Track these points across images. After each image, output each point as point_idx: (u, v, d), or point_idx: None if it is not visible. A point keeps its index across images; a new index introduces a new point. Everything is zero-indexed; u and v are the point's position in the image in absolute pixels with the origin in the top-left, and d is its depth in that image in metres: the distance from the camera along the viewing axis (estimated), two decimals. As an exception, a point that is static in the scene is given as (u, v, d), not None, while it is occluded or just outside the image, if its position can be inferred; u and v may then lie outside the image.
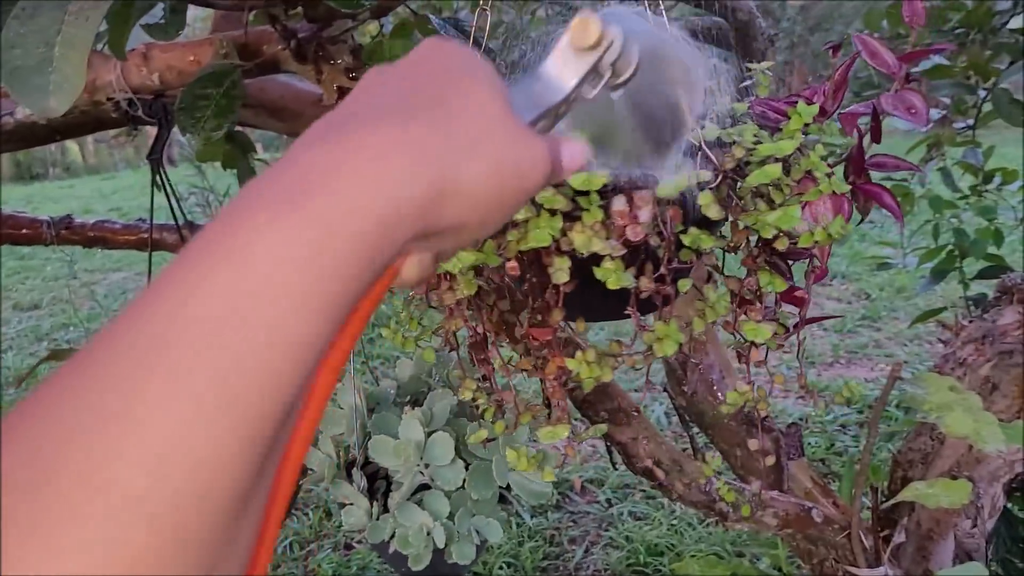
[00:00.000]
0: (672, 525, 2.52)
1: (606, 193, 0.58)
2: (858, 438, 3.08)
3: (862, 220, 0.80)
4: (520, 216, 0.59)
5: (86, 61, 0.56)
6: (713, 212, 0.58)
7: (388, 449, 0.82)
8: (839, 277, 4.88)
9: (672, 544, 2.44)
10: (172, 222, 1.24)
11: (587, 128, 0.46)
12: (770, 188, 0.61)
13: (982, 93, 1.99)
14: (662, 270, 0.61)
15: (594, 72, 0.41)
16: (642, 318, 0.70)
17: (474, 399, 0.72)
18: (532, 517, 2.56)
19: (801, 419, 3.20)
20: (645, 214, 0.57)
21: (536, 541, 2.46)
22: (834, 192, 0.76)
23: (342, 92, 0.86)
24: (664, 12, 0.64)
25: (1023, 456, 1.27)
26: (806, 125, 0.67)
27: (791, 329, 0.88)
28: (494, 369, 0.71)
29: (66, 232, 1.30)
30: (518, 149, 0.35)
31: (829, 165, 0.77)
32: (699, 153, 0.61)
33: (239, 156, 1.21)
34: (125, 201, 8.44)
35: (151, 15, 0.81)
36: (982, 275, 1.63)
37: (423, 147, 0.32)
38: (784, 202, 0.61)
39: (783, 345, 0.90)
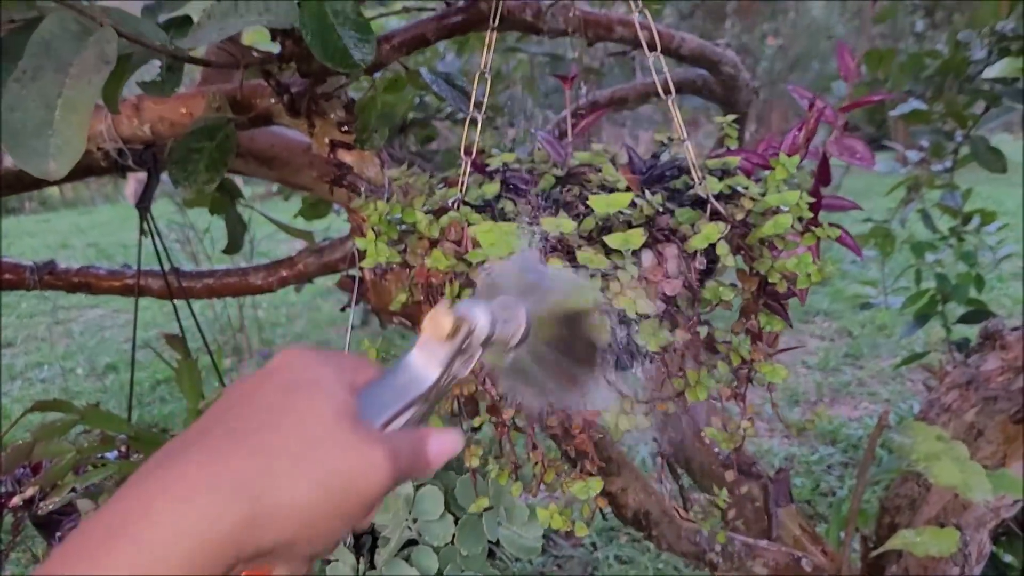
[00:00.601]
0: (658, 570, 2.50)
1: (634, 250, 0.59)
2: (844, 478, 3.08)
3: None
4: None
5: (87, 124, 0.56)
6: (731, 260, 0.59)
7: (379, 504, 0.81)
8: (821, 315, 4.91)
9: (658, 588, 2.42)
10: (156, 267, 1.24)
11: (506, 374, 0.47)
12: (774, 236, 0.62)
13: (960, 137, 2.03)
14: (693, 320, 0.62)
15: (461, 354, 0.42)
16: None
17: (483, 464, 0.72)
18: (516, 561, 2.53)
19: (786, 459, 3.20)
20: (672, 267, 0.58)
21: (520, 585, 2.43)
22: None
23: (333, 145, 0.87)
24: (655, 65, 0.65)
25: (1009, 502, 1.28)
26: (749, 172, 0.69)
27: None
28: (508, 430, 0.70)
29: (49, 277, 1.29)
30: (350, 460, 0.36)
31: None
32: (708, 206, 0.62)
33: (227, 203, 1.21)
34: (103, 236, 8.37)
35: (146, 71, 0.82)
36: (964, 319, 1.65)
37: (237, 478, 0.34)
38: (785, 248, 0.62)
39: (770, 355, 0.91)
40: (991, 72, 1.63)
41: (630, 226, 0.60)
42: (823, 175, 0.79)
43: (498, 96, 1.52)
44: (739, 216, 0.62)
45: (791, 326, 0.73)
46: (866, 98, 0.92)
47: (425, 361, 0.42)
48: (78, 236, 8.64)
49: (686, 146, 0.64)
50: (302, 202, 1.66)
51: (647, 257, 0.59)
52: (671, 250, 0.58)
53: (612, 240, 0.58)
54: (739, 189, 0.67)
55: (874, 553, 1.20)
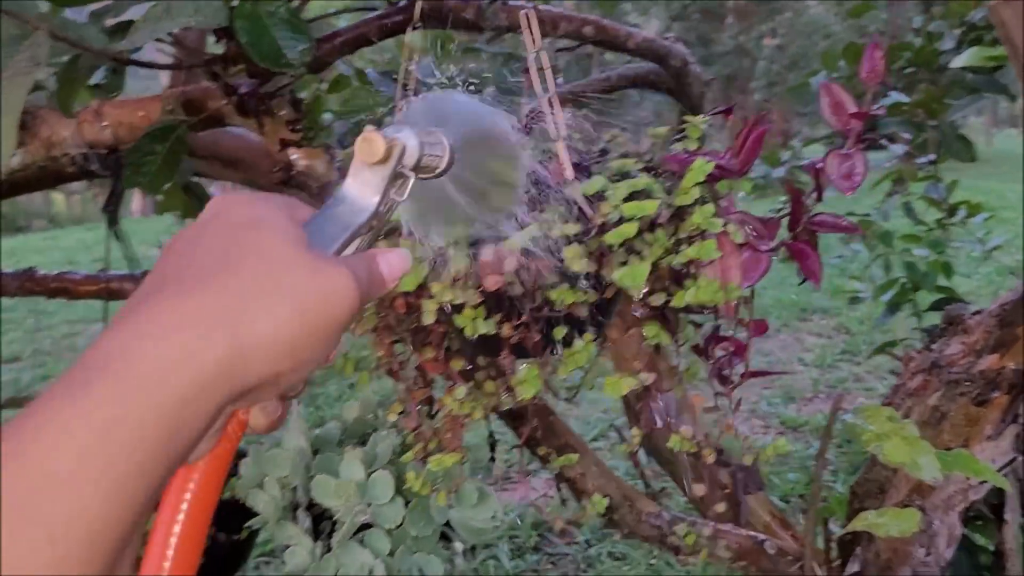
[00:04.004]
0: (651, 565, 2.52)
1: (476, 243, 0.61)
2: (837, 472, 3.10)
3: (804, 280, 0.79)
4: None
5: (17, 124, 0.59)
6: (577, 265, 0.59)
7: (330, 489, 0.84)
8: (819, 312, 4.92)
9: (651, 584, 2.44)
10: (131, 272, 1.27)
11: (421, 206, 0.48)
12: (644, 245, 0.62)
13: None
14: (525, 318, 0.62)
15: (396, 179, 0.42)
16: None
17: (396, 423, 0.74)
18: (511, 560, 2.55)
19: (780, 455, 3.21)
20: (509, 264, 0.59)
21: (514, 584, 2.46)
22: (753, 247, 0.76)
23: (284, 143, 0.89)
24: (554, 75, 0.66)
25: (976, 483, 1.29)
26: (713, 182, 0.68)
27: (737, 380, 0.87)
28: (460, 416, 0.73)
29: (29, 283, 1.32)
30: (318, 283, 0.36)
31: (752, 221, 0.77)
32: (576, 207, 0.62)
33: (197, 207, 1.24)
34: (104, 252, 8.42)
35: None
36: (935, 307, 1.67)
37: (212, 314, 0.33)
38: (657, 257, 0.62)
39: (726, 394, 0.91)
40: (958, 61, 1.64)
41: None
42: (818, 192, 0.75)
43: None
44: (597, 221, 0.61)
45: (674, 340, 0.72)
46: (869, 110, 0.83)
47: (361, 189, 0.41)
48: (84, 252, 8.71)
49: (560, 146, 0.63)
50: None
51: (487, 251, 0.60)
52: (508, 249, 0.58)
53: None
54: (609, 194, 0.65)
55: (839, 534, 1.21)
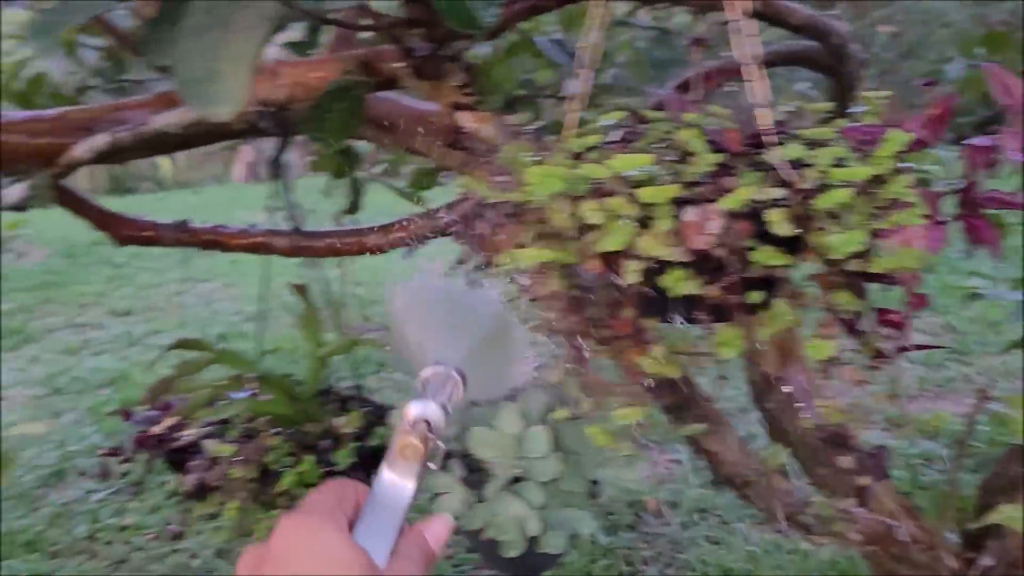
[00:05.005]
0: (748, 551, 2.51)
1: (679, 203, 0.62)
2: (945, 472, 3.01)
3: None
4: (598, 220, 0.64)
5: (247, 75, 0.63)
6: (782, 229, 0.61)
7: (487, 441, 0.87)
8: (926, 310, 4.76)
9: (748, 570, 2.43)
10: (279, 228, 1.33)
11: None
12: (845, 211, 0.63)
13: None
14: (730, 280, 0.64)
15: (431, 455, 0.49)
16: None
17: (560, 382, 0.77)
18: (606, 536, 2.57)
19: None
20: (714, 226, 0.61)
21: (609, 559, 2.47)
22: (934, 219, 0.77)
23: (456, 107, 0.92)
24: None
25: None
26: (901, 153, 0.69)
27: (891, 354, 0.88)
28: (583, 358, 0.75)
29: (183, 235, 1.39)
30: None
31: (932, 193, 0.78)
32: (773, 171, 0.64)
33: (348, 169, 1.29)
34: (211, 214, 8.67)
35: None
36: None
37: None
38: (859, 226, 0.62)
39: (878, 367, 0.91)
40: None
41: (687, 183, 0.63)
42: (991, 166, 0.77)
43: (604, 74, 1.55)
44: (801, 185, 0.62)
45: (861, 310, 0.73)
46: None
47: (400, 476, 0.47)
48: (189, 214, 9.02)
49: (767, 112, 0.65)
50: (411, 173, 1.73)
51: (691, 213, 0.62)
52: (713, 209, 0.60)
53: (643, 193, 0.61)
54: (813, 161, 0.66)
55: (972, 526, 1.19)
